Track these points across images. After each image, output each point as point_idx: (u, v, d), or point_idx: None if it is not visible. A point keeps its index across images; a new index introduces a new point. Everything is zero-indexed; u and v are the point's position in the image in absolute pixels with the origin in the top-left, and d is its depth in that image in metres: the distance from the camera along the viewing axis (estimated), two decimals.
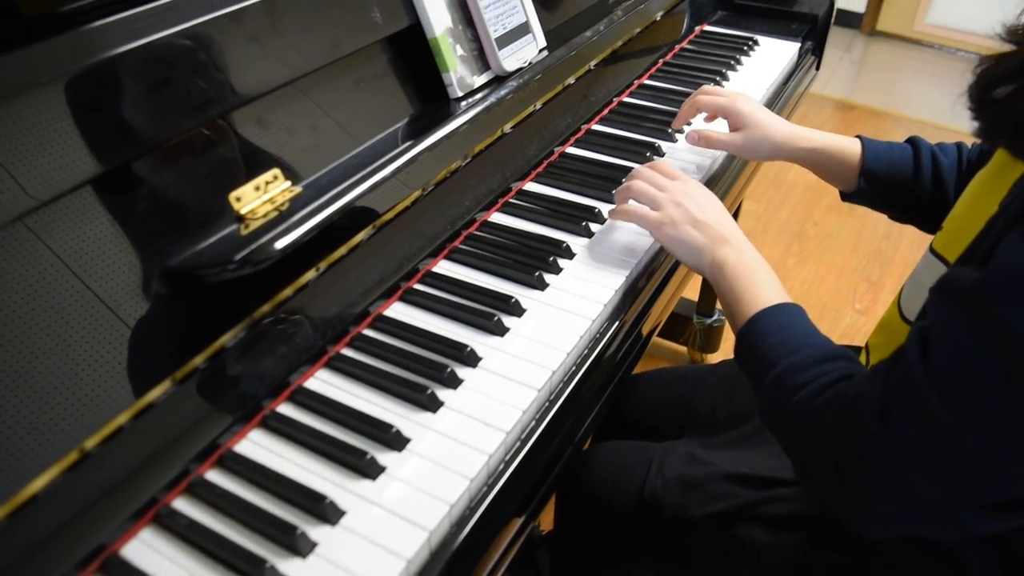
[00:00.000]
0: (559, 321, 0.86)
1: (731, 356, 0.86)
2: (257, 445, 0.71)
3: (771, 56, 1.56)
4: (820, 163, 1.08)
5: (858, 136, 1.08)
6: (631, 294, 0.94)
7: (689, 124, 1.22)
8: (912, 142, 1.05)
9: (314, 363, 0.79)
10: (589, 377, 0.84)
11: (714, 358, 2.09)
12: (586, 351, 0.86)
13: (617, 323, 0.90)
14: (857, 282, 2.42)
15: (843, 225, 2.67)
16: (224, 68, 0.72)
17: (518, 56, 1.02)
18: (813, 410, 0.71)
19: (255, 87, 0.75)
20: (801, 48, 1.61)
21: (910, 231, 2.64)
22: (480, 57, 0.99)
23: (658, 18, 1.48)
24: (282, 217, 0.74)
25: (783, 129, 1.09)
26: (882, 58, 4.04)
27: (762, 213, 2.70)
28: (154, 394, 0.66)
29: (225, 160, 0.74)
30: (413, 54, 0.94)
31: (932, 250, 0.85)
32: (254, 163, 0.76)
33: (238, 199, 0.73)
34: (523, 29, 1.04)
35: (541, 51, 1.09)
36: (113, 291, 0.65)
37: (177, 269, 0.68)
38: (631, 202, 0.96)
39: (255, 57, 0.75)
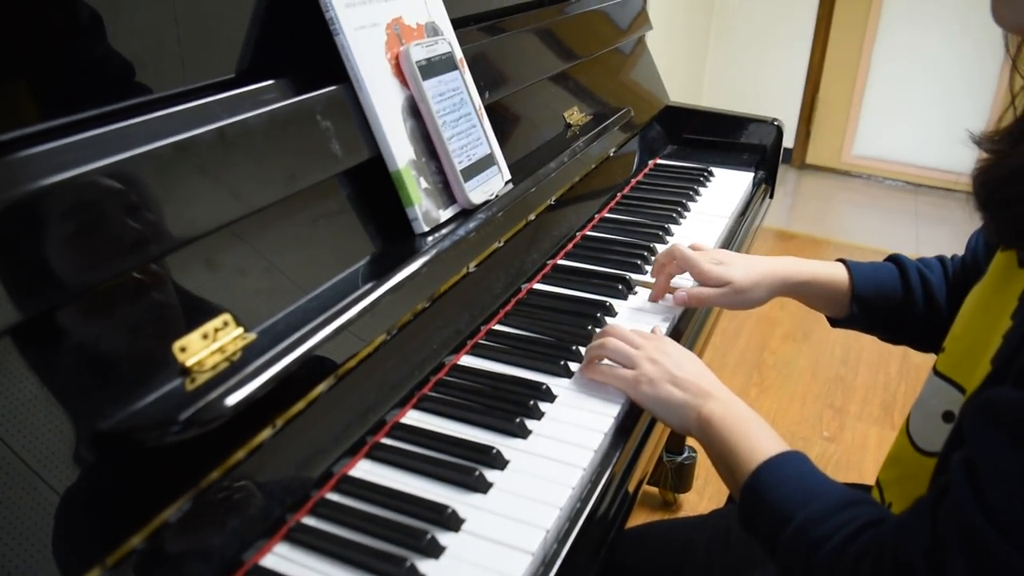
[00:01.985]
0: (547, 472, 0.77)
1: (705, 496, 0.78)
2: None
3: (727, 185, 1.56)
4: (810, 295, 1.06)
5: (840, 260, 1.05)
6: (621, 436, 0.86)
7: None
8: (895, 260, 1.03)
9: (271, 536, 0.68)
10: (585, 535, 0.74)
11: (687, 498, 1.99)
12: (578, 504, 0.77)
13: (609, 470, 0.81)
14: (821, 409, 2.38)
15: (800, 352, 2.65)
16: (166, 203, 0.64)
17: (484, 189, 0.97)
18: (846, 563, 0.63)
19: (202, 224, 0.67)
20: (755, 177, 1.61)
21: (867, 354, 2.64)
22: (445, 190, 0.93)
23: (611, 154, 1.47)
24: (234, 369, 0.65)
25: (768, 268, 1.04)
26: (814, 189, 4.17)
27: (719, 344, 2.67)
28: None
29: (168, 306, 0.65)
30: (374, 188, 0.88)
31: (937, 373, 0.79)
32: (201, 308, 0.67)
33: (183, 349, 0.64)
34: (488, 161, 0.99)
35: (506, 183, 1.04)
36: (34, 458, 0.54)
37: (111, 432, 0.58)
38: (605, 361, 0.90)
39: (202, 191, 0.67)
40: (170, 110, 0.70)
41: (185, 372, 0.64)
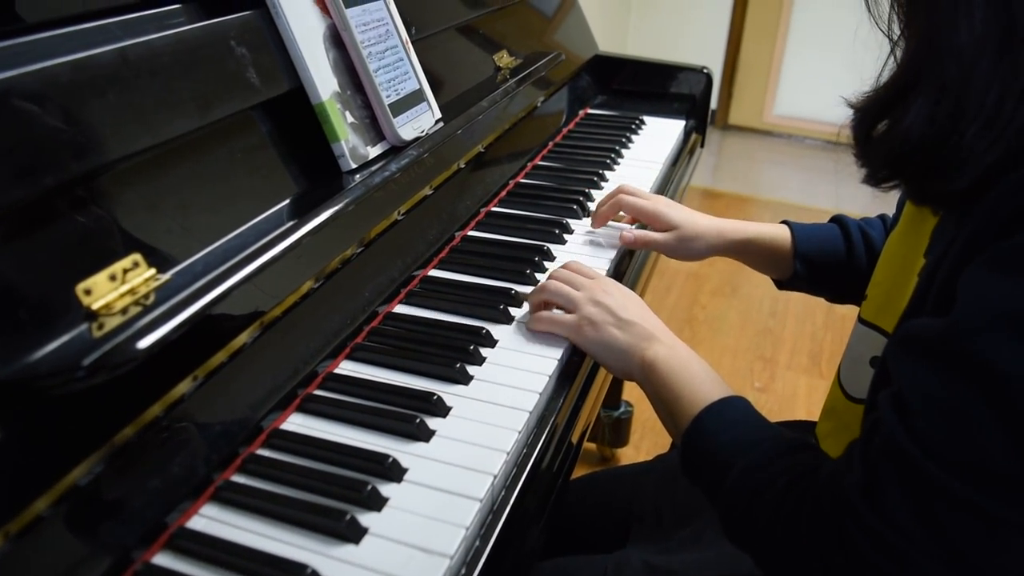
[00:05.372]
0: (492, 417, 0.73)
1: (641, 450, 0.76)
2: None
3: (660, 133, 1.53)
4: (753, 253, 1.04)
5: (784, 221, 1.04)
6: (566, 379, 0.82)
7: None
8: (837, 220, 1.02)
9: (197, 497, 0.63)
10: (533, 480, 0.71)
11: (624, 452, 1.98)
12: (525, 450, 0.73)
13: (555, 416, 0.77)
14: (752, 361, 2.40)
15: (729, 307, 2.66)
16: (65, 129, 0.57)
17: (414, 124, 0.92)
18: (788, 508, 0.61)
19: (106, 154, 0.60)
20: (686, 126, 1.59)
21: (794, 306, 2.67)
22: (373, 126, 0.87)
23: (539, 104, 1.42)
24: (146, 311, 0.59)
25: (713, 224, 1.04)
26: (737, 149, 4.21)
27: (650, 302, 2.65)
28: None
29: (68, 245, 0.58)
30: (299, 124, 0.82)
31: (862, 320, 0.79)
32: (108, 248, 0.61)
33: (88, 292, 0.57)
34: (417, 96, 0.93)
35: (437, 122, 0.99)
36: None
37: (5, 384, 0.51)
38: (552, 310, 0.87)
39: (104, 116, 0.60)
40: (64, 30, 0.62)
41: (91, 316, 0.57)
